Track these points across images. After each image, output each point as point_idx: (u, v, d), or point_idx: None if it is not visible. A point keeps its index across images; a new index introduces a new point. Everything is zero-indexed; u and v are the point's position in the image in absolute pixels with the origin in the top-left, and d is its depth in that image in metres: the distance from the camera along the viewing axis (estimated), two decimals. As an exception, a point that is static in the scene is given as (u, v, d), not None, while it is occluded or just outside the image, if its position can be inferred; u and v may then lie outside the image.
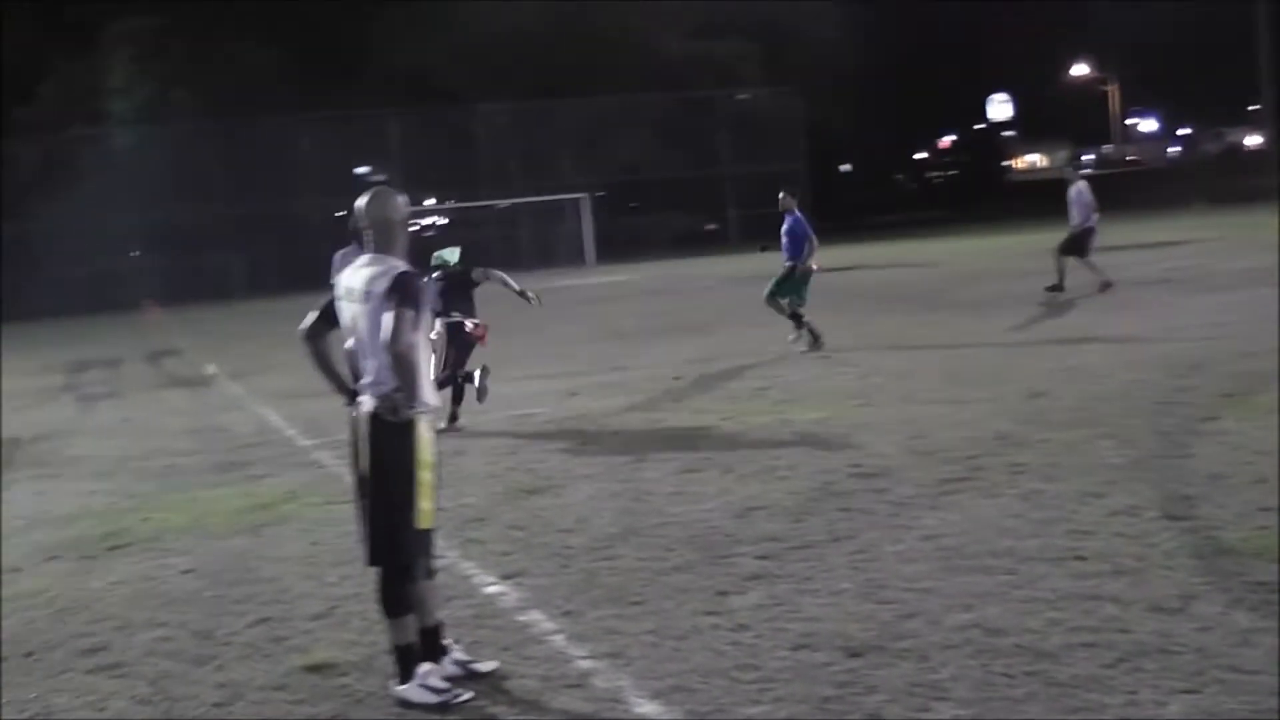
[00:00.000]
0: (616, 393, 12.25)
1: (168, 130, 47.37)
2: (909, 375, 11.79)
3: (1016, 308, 17.11)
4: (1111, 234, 33.93)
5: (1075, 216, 18.61)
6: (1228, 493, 6.59)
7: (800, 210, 14.98)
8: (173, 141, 47.21)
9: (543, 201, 51.72)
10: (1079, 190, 18.74)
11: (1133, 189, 58.70)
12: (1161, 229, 33.95)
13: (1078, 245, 18.57)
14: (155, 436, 12.19)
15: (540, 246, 53.56)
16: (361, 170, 57.04)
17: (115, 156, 47.85)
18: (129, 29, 49.71)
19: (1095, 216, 18.60)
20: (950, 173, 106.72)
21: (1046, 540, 6.02)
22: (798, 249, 14.59)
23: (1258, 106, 67.99)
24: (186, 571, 6.84)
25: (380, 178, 54.31)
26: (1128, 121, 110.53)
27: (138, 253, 50.25)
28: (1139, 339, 12.87)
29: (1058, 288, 17.92)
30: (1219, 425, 8.26)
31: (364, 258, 4.92)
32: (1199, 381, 9.95)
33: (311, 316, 5.02)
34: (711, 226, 58.14)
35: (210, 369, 17.94)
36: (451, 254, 13.89)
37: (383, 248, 4.89)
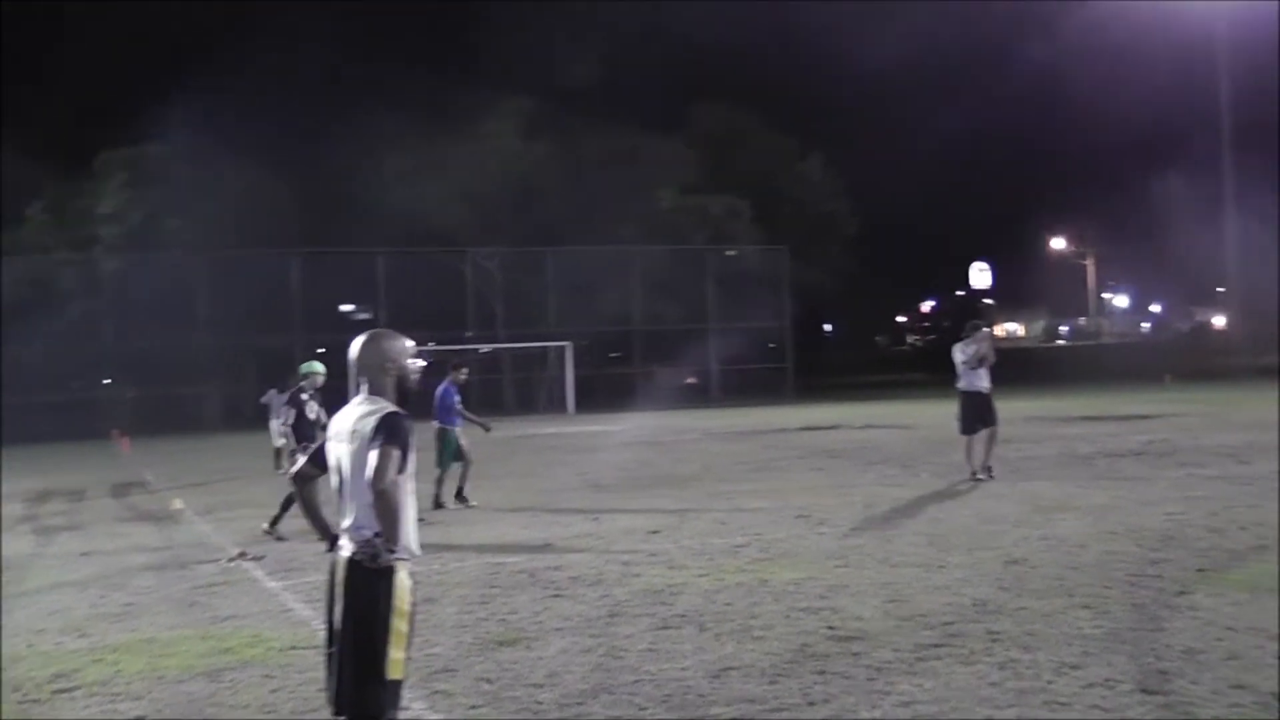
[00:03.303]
0: (593, 544, 12.14)
1: (155, 258, 47.56)
2: (888, 537, 11.74)
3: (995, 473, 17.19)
4: (1090, 406, 34.36)
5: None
6: (1201, 669, 6.56)
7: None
8: (159, 270, 47.40)
9: (525, 348, 51.97)
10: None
11: (1110, 362, 59.58)
12: (1136, 402, 34.35)
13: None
14: (115, 573, 11.86)
15: (522, 393, 53.72)
16: (346, 308, 57.37)
17: (98, 283, 48.03)
18: (128, 155, 50.23)
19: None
20: (929, 337, 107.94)
21: (1023, 710, 5.95)
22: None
23: (1223, 289, 69.68)
24: (137, 718, 6.62)
25: (364, 315, 54.69)
26: (1103, 295, 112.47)
27: (109, 381, 50.08)
28: (1114, 510, 12.90)
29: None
30: (1192, 600, 8.26)
31: (357, 399, 4.93)
32: (1172, 555, 9.97)
33: (300, 460, 5.02)
34: (691, 380, 58.44)
35: (177, 504, 17.69)
36: (312, 366, 14.67)
37: (376, 390, 4.90)
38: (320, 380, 14.81)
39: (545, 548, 12.04)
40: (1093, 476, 16.43)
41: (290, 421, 14.54)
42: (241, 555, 12.33)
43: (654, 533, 12.79)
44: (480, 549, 12.11)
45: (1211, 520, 11.80)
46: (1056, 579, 9.16)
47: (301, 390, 14.72)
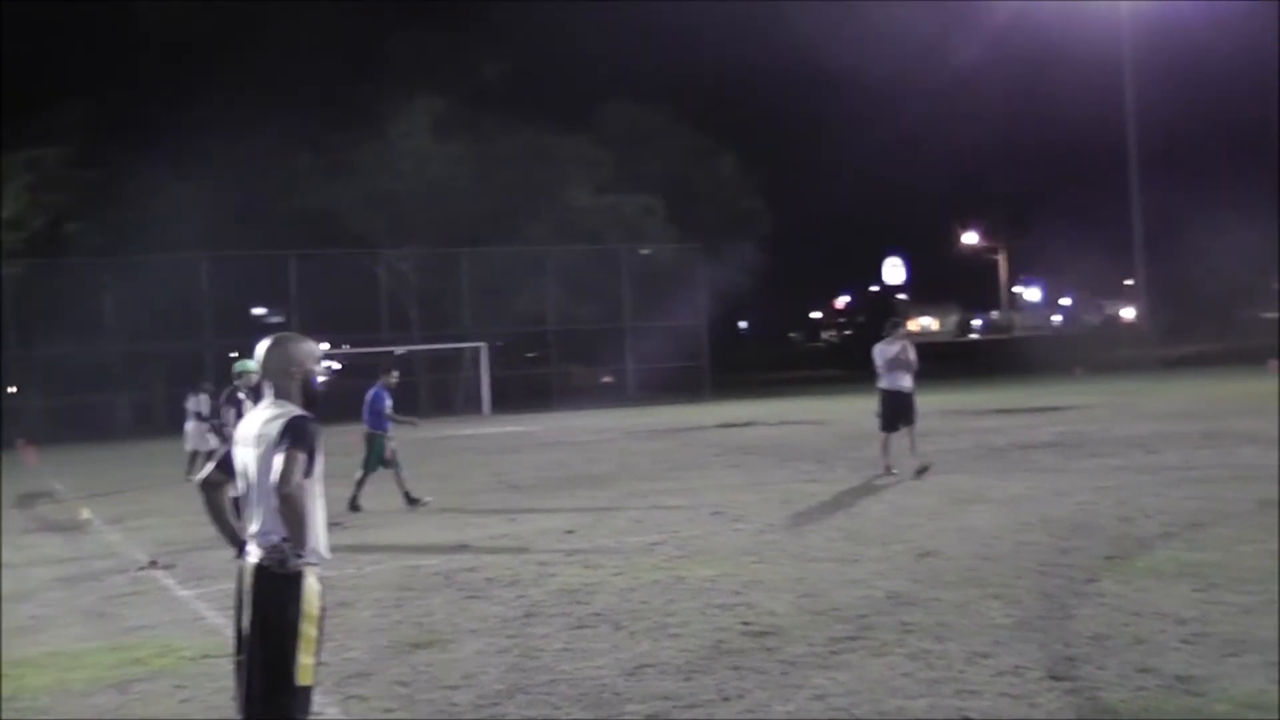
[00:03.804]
0: (509, 545, 12.10)
1: (59, 264, 46.49)
2: (803, 533, 11.82)
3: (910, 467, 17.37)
4: (1003, 398, 34.85)
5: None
6: (1108, 654, 6.69)
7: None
8: (64, 276, 46.39)
9: (440, 350, 51.63)
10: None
11: (1022, 355, 60.56)
12: (1048, 395, 34.92)
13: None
14: (21, 586, 11.55)
15: (437, 394, 53.35)
16: (258, 311, 56.53)
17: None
18: (28, 158, 48.96)
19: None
20: (845, 332, 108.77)
21: (934, 700, 6.02)
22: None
23: (1132, 282, 71.15)
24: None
25: (277, 319, 53.99)
26: (1014, 289, 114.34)
27: (14, 389, 48.98)
28: (1027, 500, 13.11)
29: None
30: (1100, 587, 8.42)
31: (263, 403, 4.88)
32: (1082, 544, 10.16)
33: (209, 467, 4.96)
34: (608, 379, 58.37)
35: (86, 513, 17.33)
36: (245, 365, 14.44)
37: (281, 394, 4.85)
38: (254, 379, 14.56)
39: (461, 549, 11.98)
40: (1006, 468, 16.69)
41: (231, 422, 14.32)
42: (152, 564, 12.14)
43: (570, 532, 12.77)
44: (396, 551, 12.03)
45: (1120, 509, 12.04)
46: (969, 570, 9.28)
47: (237, 390, 14.55)
